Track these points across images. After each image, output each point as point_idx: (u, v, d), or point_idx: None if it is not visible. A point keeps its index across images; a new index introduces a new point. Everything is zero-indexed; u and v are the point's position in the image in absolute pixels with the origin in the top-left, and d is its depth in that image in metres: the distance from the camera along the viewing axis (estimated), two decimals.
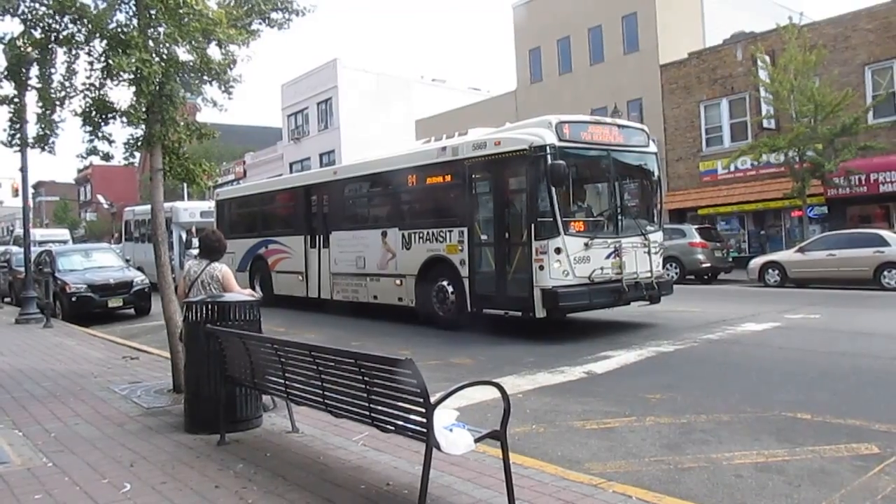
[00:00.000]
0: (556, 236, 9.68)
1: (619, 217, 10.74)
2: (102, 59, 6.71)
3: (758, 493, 4.21)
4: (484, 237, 10.85)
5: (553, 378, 7.59)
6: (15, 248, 22.67)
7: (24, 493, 4.26)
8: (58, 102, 6.88)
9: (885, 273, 16.03)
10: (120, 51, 6.31)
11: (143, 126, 7.00)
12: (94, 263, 16.32)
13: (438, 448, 3.46)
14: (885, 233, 17.06)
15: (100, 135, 7.11)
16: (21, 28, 6.85)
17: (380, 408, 3.76)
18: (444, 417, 3.58)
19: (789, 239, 22.71)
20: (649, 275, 10.66)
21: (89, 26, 6.59)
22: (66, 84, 6.90)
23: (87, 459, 4.91)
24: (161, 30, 6.64)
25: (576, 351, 9.12)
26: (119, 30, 6.61)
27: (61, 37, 6.78)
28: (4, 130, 7.40)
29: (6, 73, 6.99)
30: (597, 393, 6.88)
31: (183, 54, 6.88)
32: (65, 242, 33.34)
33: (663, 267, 12.15)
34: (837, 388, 6.86)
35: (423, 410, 3.43)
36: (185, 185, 10.07)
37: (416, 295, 11.96)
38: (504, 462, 3.67)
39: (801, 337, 9.90)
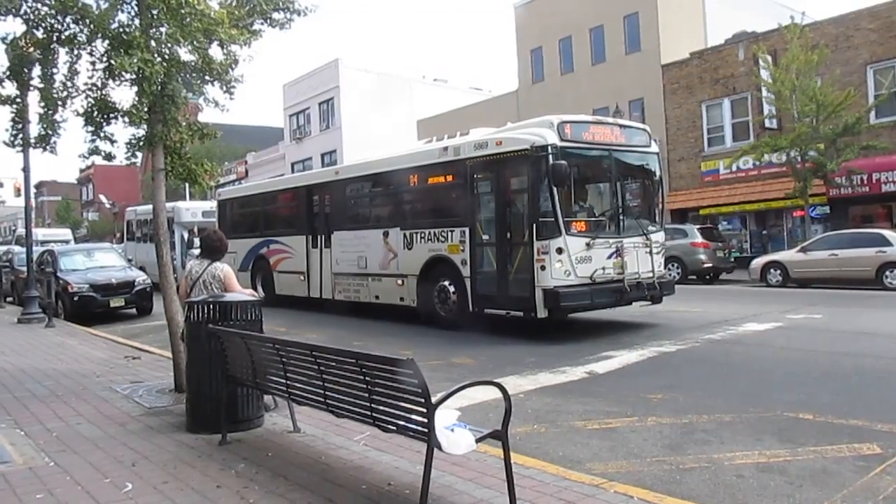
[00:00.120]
0: (558, 236, 9.68)
1: (621, 217, 10.73)
2: (104, 59, 6.73)
3: (759, 494, 4.21)
4: (485, 237, 10.85)
5: (554, 378, 7.59)
6: (17, 248, 22.71)
7: (25, 492, 4.26)
8: (60, 102, 6.89)
9: (888, 273, 16.01)
10: (122, 51, 6.32)
11: (145, 126, 7.01)
12: (96, 263, 16.33)
13: (440, 448, 3.47)
14: (887, 232, 17.02)
15: (102, 135, 7.13)
16: (23, 28, 6.88)
17: (381, 408, 3.76)
18: (445, 417, 3.58)
19: (791, 239, 22.69)
20: (651, 275, 10.66)
21: (91, 26, 6.61)
22: (69, 84, 6.92)
23: (89, 459, 4.92)
24: (163, 30, 6.65)
25: (577, 351, 9.12)
26: (121, 30, 6.62)
27: (63, 37, 6.80)
28: (7, 130, 7.41)
29: (8, 73, 7.01)
30: (598, 393, 6.87)
31: (185, 54, 6.90)
32: (67, 242, 33.38)
33: (665, 267, 12.15)
34: (839, 389, 6.86)
35: (425, 410, 3.43)
36: (186, 185, 10.06)
37: (417, 295, 11.96)
38: (505, 462, 3.67)
39: (803, 337, 9.88)
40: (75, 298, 14.80)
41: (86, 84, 6.91)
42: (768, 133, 21.88)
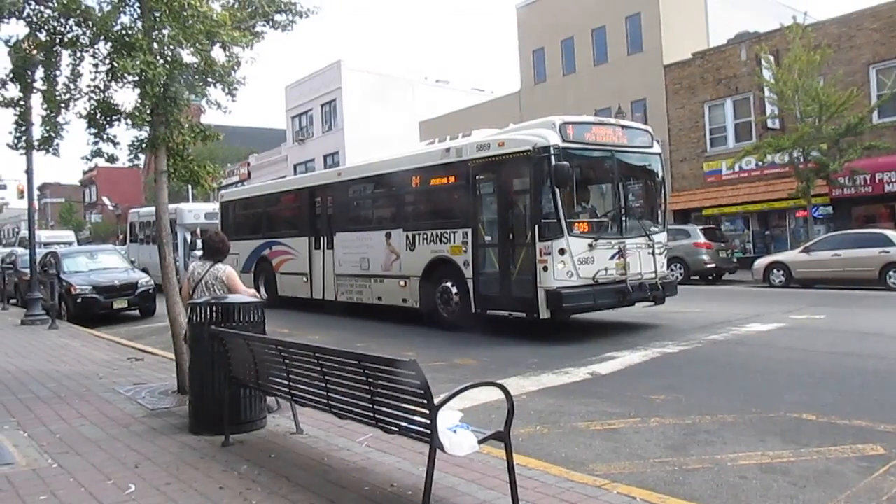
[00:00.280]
0: (560, 237, 9.67)
1: (623, 218, 10.72)
2: (107, 61, 6.74)
3: (762, 494, 4.20)
4: (488, 238, 10.85)
5: (557, 379, 7.58)
6: (20, 250, 22.81)
7: (28, 493, 4.27)
8: (63, 105, 6.91)
9: (891, 273, 15.97)
10: (124, 53, 6.34)
11: (148, 128, 7.03)
12: (99, 265, 16.36)
13: (442, 449, 3.47)
14: (890, 233, 16.98)
15: (104, 137, 7.14)
16: (26, 31, 6.90)
17: (384, 409, 3.76)
18: (448, 418, 3.58)
19: (794, 239, 22.65)
20: (654, 275, 10.64)
21: (94, 29, 6.62)
22: (71, 86, 6.93)
23: (92, 460, 4.93)
24: (165, 32, 6.66)
25: (580, 352, 9.11)
26: (124, 32, 6.63)
27: (66, 39, 6.81)
28: (10, 133, 7.43)
29: (11, 75, 7.03)
30: (601, 394, 6.86)
31: (187, 56, 6.91)
32: (70, 244, 33.51)
33: (668, 267, 12.14)
34: (842, 389, 6.84)
35: (427, 412, 3.43)
36: (189, 186, 10.09)
37: (420, 296, 11.95)
38: (508, 463, 3.67)
39: (806, 337, 9.86)
40: (78, 300, 14.83)
41: (88, 86, 6.94)
42: (771, 133, 21.85)
